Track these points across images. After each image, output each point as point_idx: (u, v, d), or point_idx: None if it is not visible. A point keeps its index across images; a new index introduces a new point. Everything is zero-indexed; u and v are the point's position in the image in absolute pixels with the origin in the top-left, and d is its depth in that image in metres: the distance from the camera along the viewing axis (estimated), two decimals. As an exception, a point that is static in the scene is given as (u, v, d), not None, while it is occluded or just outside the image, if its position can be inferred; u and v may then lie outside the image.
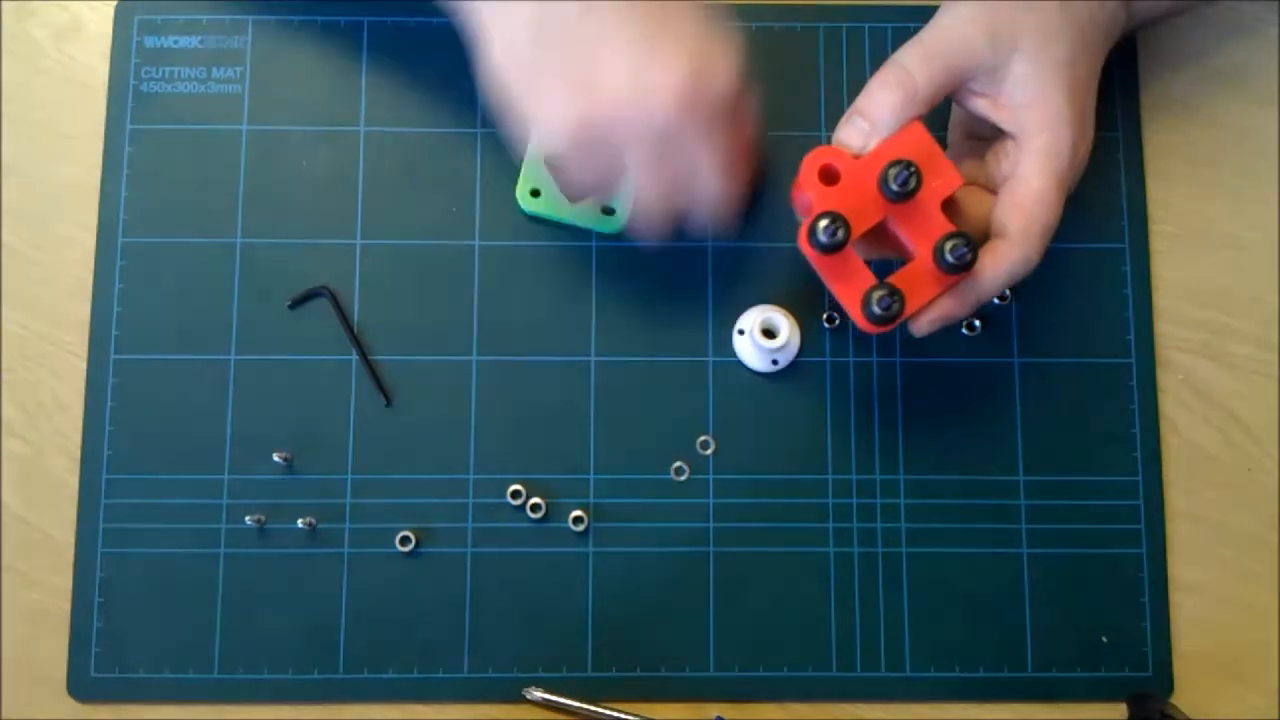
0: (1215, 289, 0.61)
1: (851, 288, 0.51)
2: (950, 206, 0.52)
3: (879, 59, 0.61)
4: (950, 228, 0.51)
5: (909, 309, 0.51)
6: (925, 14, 0.56)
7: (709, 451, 0.59)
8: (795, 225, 0.59)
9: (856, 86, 0.61)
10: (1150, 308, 0.60)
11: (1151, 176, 0.61)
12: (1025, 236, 0.50)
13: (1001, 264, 0.51)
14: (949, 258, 0.49)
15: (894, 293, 0.50)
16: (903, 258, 0.52)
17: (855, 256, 0.51)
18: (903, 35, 0.61)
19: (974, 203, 0.53)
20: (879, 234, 0.52)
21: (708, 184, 0.52)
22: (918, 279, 0.51)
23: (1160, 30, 0.62)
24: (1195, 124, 0.62)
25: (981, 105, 0.52)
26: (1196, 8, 0.62)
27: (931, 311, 0.52)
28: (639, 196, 0.52)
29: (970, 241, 0.49)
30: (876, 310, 0.50)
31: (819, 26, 0.62)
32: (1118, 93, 0.62)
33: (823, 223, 0.49)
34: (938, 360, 0.60)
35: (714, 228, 0.58)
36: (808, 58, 0.62)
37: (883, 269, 0.53)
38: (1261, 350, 0.60)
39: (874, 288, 0.50)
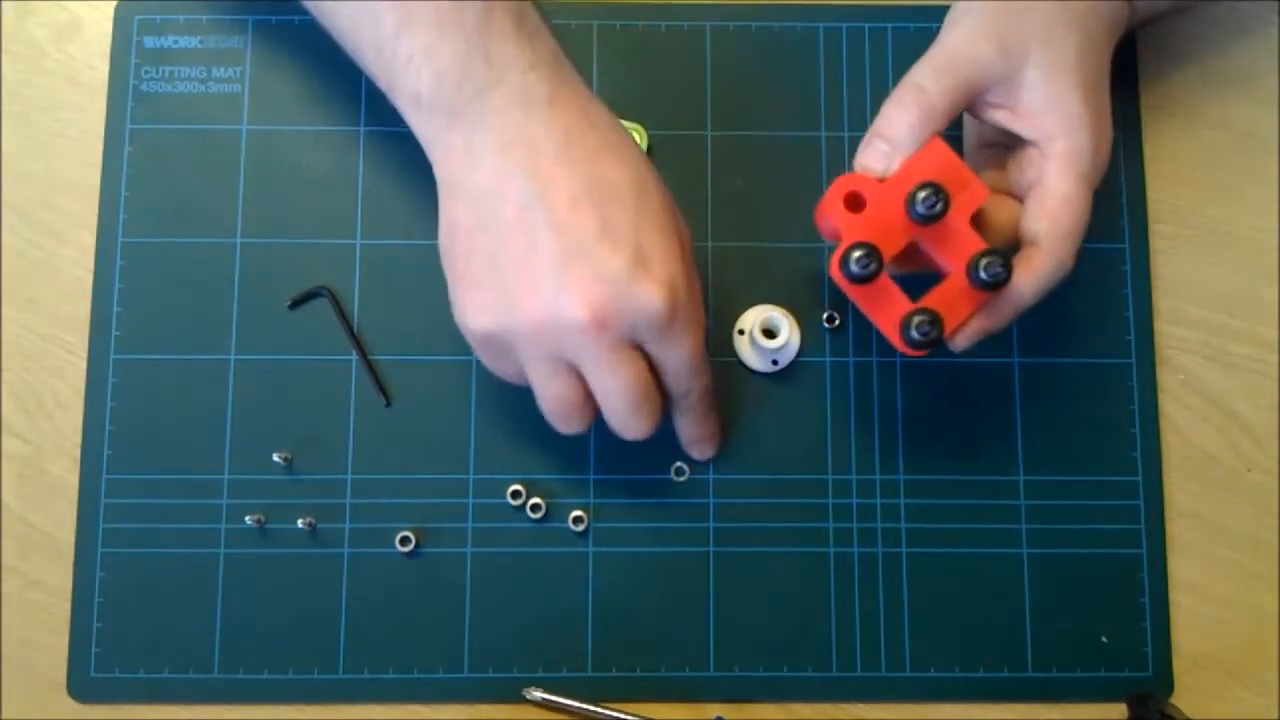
0: (1215, 289, 0.61)
1: (888, 313, 0.51)
2: (977, 218, 0.51)
3: (879, 59, 0.61)
4: (981, 244, 0.50)
5: (947, 329, 0.50)
6: (925, 13, 0.56)
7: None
8: (795, 225, 0.59)
9: (857, 86, 0.61)
10: (1150, 308, 0.60)
11: (1151, 176, 0.61)
12: (1057, 242, 0.50)
13: (1037, 272, 0.50)
14: (983, 275, 0.49)
15: (933, 318, 0.49)
16: (935, 272, 0.52)
17: (890, 282, 0.51)
18: (903, 35, 0.62)
19: (1000, 212, 0.52)
20: (910, 251, 0.51)
21: (614, 407, 0.50)
22: (953, 296, 0.51)
23: (1160, 30, 0.62)
24: (1196, 124, 0.62)
25: (1000, 116, 0.52)
26: (1197, 6, 0.62)
27: (970, 327, 0.51)
28: (541, 401, 0.52)
29: (1004, 257, 0.49)
30: (916, 336, 0.49)
31: (819, 26, 0.62)
32: (1118, 93, 0.61)
33: (856, 254, 0.49)
34: (938, 360, 0.60)
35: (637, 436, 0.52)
36: (808, 58, 0.62)
37: (919, 286, 0.52)
38: (1261, 350, 0.60)
39: (912, 313, 0.49)
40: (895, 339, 0.50)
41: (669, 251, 0.48)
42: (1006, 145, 0.54)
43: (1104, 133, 0.52)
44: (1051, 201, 0.51)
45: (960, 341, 0.52)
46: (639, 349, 0.49)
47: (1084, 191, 0.51)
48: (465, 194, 0.49)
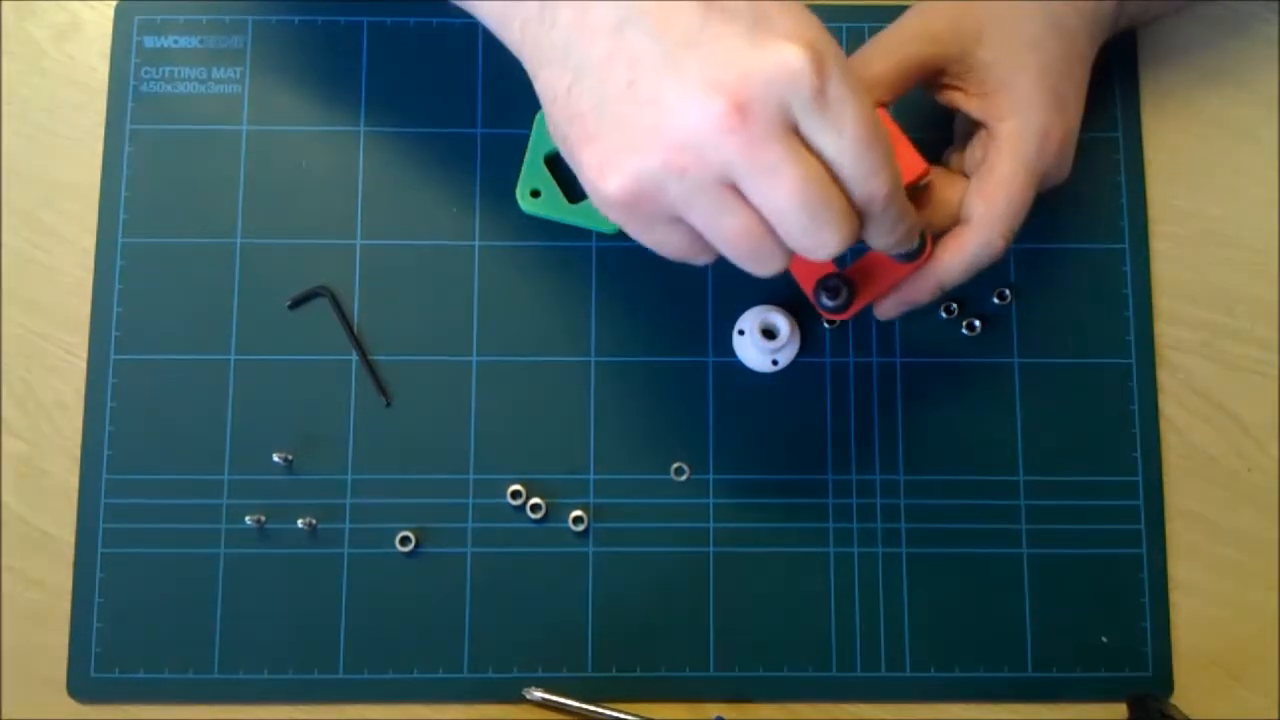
0: (1215, 289, 0.61)
1: (811, 277, 0.52)
2: (924, 193, 0.52)
3: (879, 59, 0.61)
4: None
5: (868, 296, 0.52)
6: (925, 14, 0.56)
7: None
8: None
9: (856, 86, 0.61)
10: (1150, 308, 0.60)
11: (1151, 176, 0.61)
12: (989, 221, 0.50)
13: (964, 249, 0.51)
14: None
15: (844, 283, 0.51)
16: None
17: None
18: (903, 35, 0.61)
19: (947, 188, 0.52)
20: None
21: (791, 220, 0.41)
22: (877, 267, 0.52)
23: (1160, 29, 0.62)
24: (1195, 124, 0.62)
25: (953, 97, 0.53)
26: (1195, 6, 0.62)
27: (893, 297, 0.53)
28: (724, 248, 0.44)
29: (919, 231, 0.49)
30: (826, 301, 0.51)
31: (819, 26, 0.62)
32: (1118, 93, 0.62)
33: None
34: (938, 360, 0.60)
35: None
36: (808, 58, 0.62)
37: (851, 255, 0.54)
38: (1261, 350, 0.60)
39: (824, 278, 0.51)
40: (814, 302, 0.52)
41: (792, 7, 0.41)
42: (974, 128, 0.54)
43: (1060, 121, 0.51)
44: (989, 182, 0.51)
45: (886, 310, 0.53)
46: (801, 141, 0.41)
47: (1024, 175, 0.50)
48: (551, 56, 0.42)
